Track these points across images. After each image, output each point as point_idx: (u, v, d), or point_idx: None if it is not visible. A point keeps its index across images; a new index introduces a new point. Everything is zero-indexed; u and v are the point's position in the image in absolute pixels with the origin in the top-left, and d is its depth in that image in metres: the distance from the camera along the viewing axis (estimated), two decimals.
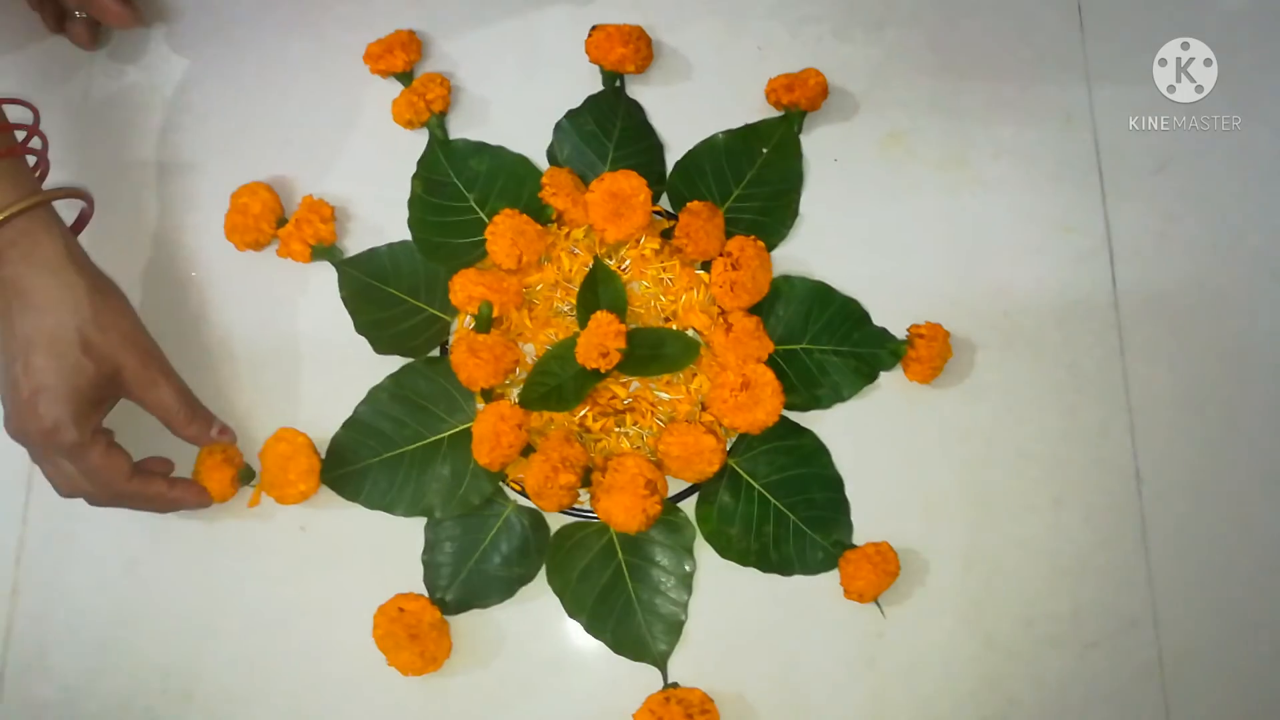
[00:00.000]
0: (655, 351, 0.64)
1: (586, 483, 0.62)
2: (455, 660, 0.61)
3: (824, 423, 0.65)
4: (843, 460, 0.64)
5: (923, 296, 0.67)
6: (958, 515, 0.64)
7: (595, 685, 0.62)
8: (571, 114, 0.70)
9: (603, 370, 0.61)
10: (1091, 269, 0.68)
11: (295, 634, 0.63)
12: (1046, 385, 0.66)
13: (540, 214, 0.66)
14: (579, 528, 0.63)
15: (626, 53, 0.68)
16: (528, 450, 0.62)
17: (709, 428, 0.62)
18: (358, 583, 0.62)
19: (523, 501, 0.64)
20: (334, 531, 0.64)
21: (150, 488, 0.60)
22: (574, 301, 0.65)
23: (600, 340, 0.61)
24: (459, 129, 0.71)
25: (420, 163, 0.70)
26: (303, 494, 0.63)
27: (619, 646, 0.62)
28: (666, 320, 0.66)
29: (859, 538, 0.63)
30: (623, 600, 0.62)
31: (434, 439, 0.64)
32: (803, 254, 0.68)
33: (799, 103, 0.69)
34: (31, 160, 0.61)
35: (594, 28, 0.70)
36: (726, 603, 0.63)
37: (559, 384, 0.63)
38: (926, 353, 0.64)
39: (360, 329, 0.66)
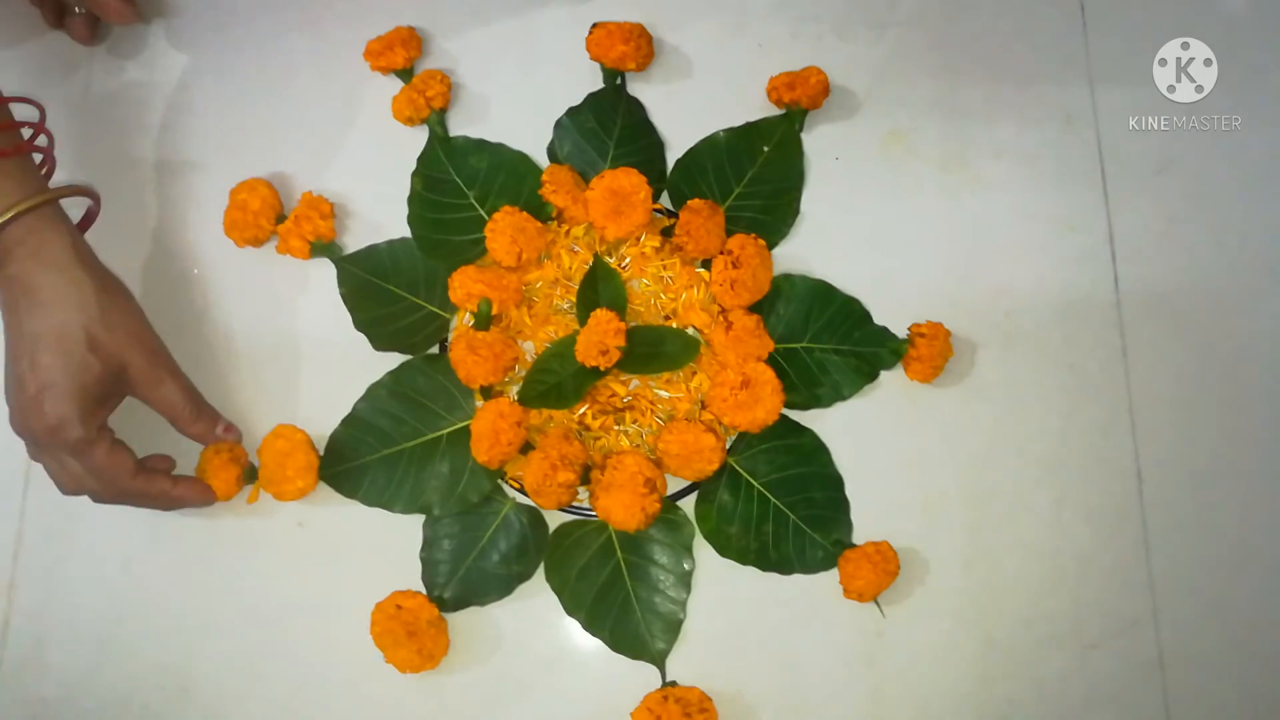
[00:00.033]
0: (655, 349, 0.64)
1: (585, 481, 0.62)
2: (453, 658, 0.61)
3: (824, 422, 0.65)
4: (843, 459, 0.64)
5: (924, 295, 0.67)
6: (958, 515, 0.64)
7: (593, 684, 0.62)
8: (572, 111, 0.70)
9: (602, 368, 0.61)
10: (1093, 268, 0.68)
11: (293, 631, 0.63)
12: (1048, 385, 0.66)
13: (540, 211, 0.66)
14: (578, 526, 0.63)
15: (627, 50, 0.68)
16: (527, 448, 0.62)
17: (709, 426, 0.62)
18: (356, 580, 0.62)
19: (521, 499, 0.63)
20: (332, 528, 0.64)
21: (154, 486, 0.60)
22: (574, 299, 0.65)
23: (600, 338, 0.61)
24: (459, 126, 0.71)
25: (420, 159, 0.70)
26: (301, 490, 0.63)
27: (617, 645, 0.62)
28: (666, 318, 0.66)
29: (859, 537, 0.63)
30: (621, 598, 0.62)
31: (433, 436, 0.64)
32: (803, 252, 0.68)
33: (800, 101, 0.68)
34: (38, 158, 0.61)
35: (595, 25, 0.70)
36: (725, 602, 0.63)
37: (558, 382, 0.63)
38: (927, 352, 0.64)
39: (359, 326, 0.66)
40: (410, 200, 0.69)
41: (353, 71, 0.71)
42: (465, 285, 0.63)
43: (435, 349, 0.66)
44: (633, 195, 0.64)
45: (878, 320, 0.66)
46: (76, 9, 0.71)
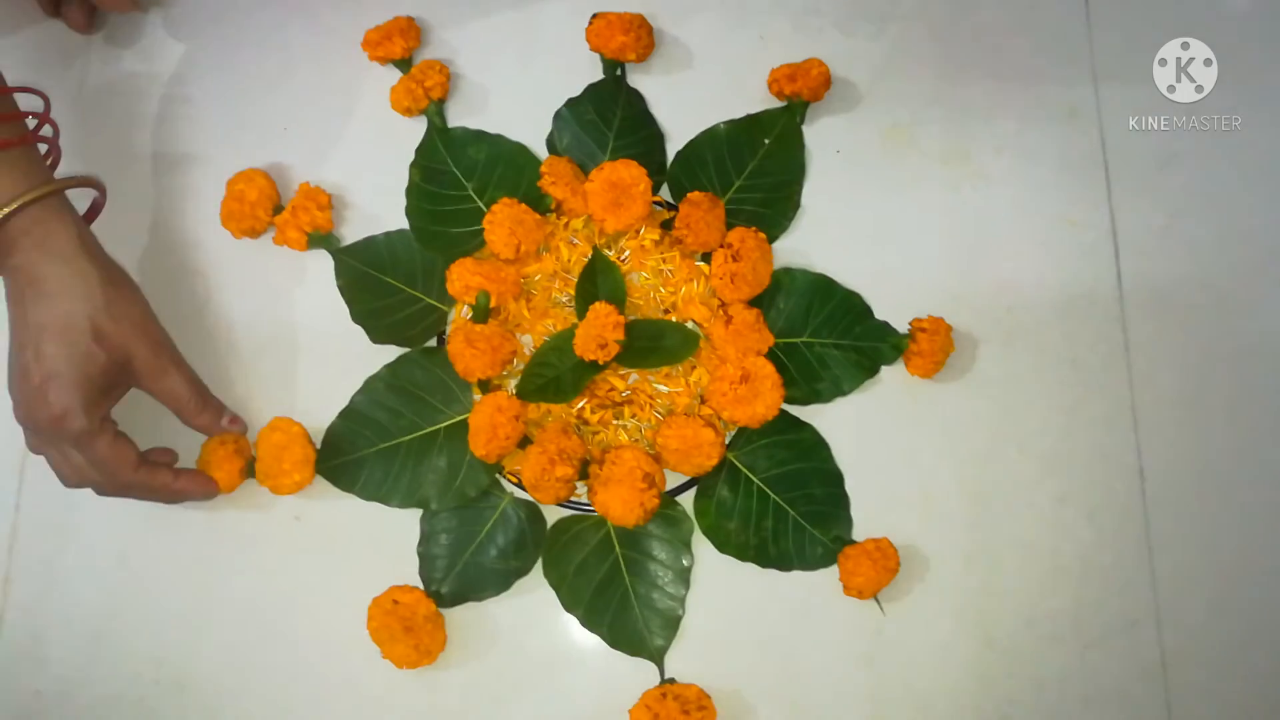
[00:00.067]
0: (654, 343, 0.63)
1: (584, 475, 0.61)
2: (450, 653, 0.61)
3: (824, 417, 0.64)
4: (843, 455, 0.64)
5: (925, 290, 0.66)
6: (958, 512, 0.64)
7: (591, 680, 0.62)
8: (571, 102, 0.70)
9: (601, 362, 0.61)
10: (1095, 264, 0.68)
11: (289, 625, 0.63)
12: (1049, 381, 0.66)
13: (539, 203, 0.66)
14: (576, 521, 0.63)
15: (627, 41, 0.68)
16: (525, 442, 0.62)
17: (708, 421, 0.61)
18: (352, 574, 0.62)
19: (519, 494, 0.63)
20: (329, 522, 0.64)
21: (156, 478, 0.60)
22: (572, 292, 0.65)
23: (599, 332, 0.60)
24: (458, 117, 0.70)
25: (418, 151, 0.69)
26: (297, 484, 0.63)
27: (615, 641, 0.61)
28: (666, 312, 0.66)
29: (859, 533, 0.63)
30: (620, 594, 0.62)
31: (430, 430, 0.64)
32: (804, 246, 0.67)
33: (801, 93, 0.68)
34: (43, 148, 0.61)
35: (595, 15, 0.69)
36: (724, 598, 0.62)
37: (557, 375, 0.62)
38: (928, 347, 0.63)
39: (357, 318, 0.66)
40: (408, 191, 0.68)
41: (351, 62, 0.71)
42: (463, 277, 0.63)
43: (433, 342, 0.66)
44: (632, 187, 0.63)
45: (879, 315, 0.66)
46: None
